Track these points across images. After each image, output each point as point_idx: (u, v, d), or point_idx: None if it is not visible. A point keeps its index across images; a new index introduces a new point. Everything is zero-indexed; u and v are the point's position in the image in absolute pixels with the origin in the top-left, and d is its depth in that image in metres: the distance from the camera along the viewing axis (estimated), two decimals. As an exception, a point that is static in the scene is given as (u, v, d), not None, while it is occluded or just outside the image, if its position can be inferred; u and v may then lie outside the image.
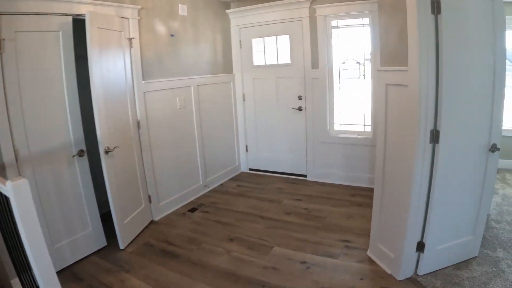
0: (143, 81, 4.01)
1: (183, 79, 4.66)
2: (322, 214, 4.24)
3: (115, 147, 3.43)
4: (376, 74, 3.07)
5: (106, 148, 3.32)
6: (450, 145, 2.66)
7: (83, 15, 3.17)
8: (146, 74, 4.06)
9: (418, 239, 2.86)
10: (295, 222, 4.07)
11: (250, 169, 6.23)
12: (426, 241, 2.83)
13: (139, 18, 3.93)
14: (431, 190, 2.74)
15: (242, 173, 6.18)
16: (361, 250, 3.40)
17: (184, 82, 4.68)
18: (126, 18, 3.79)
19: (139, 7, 3.90)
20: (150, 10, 4.10)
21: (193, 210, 4.58)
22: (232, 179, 5.87)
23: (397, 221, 2.89)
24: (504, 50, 2.70)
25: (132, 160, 3.91)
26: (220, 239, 3.75)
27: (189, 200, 4.88)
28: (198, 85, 4.92)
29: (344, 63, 5.28)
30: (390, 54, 2.90)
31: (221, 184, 5.58)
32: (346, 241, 3.59)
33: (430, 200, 2.75)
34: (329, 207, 4.44)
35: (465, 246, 3.05)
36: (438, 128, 2.60)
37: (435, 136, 2.62)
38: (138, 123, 3.99)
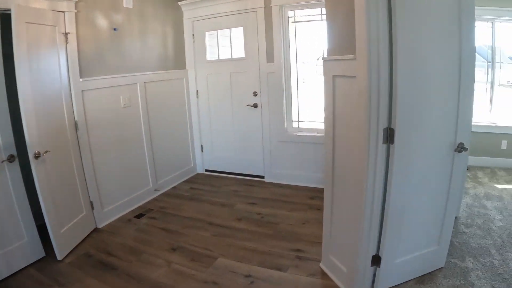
0: (81, 79, 3.95)
1: (128, 76, 4.61)
2: (276, 220, 4.25)
3: (46, 151, 3.36)
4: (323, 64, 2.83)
5: (36, 153, 3.25)
6: (408, 146, 2.48)
7: (12, 10, 3.10)
8: (84, 71, 4.00)
9: (373, 252, 2.71)
10: (245, 229, 4.07)
11: (207, 170, 6.25)
12: (383, 254, 2.68)
13: (76, 11, 3.85)
14: (387, 198, 2.56)
15: (198, 174, 6.19)
16: (313, 261, 3.33)
17: (129, 79, 4.63)
18: (62, 11, 3.71)
19: (76, -1, 3.84)
20: (90, 2, 4.04)
21: (140, 216, 4.55)
22: (186, 181, 5.87)
23: (349, 232, 2.74)
24: (472, 42, 2.52)
25: (69, 164, 3.85)
26: (163, 249, 3.72)
27: (137, 205, 4.85)
28: (145, 82, 4.88)
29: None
30: (337, 41, 2.69)
31: (174, 187, 5.57)
32: (298, 250, 3.55)
33: (386, 208, 2.58)
34: (285, 212, 4.46)
35: (429, 257, 2.93)
36: (393, 126, 2.40)
37: (389, 136, 2.43)
38: (76, 124, 3.93)
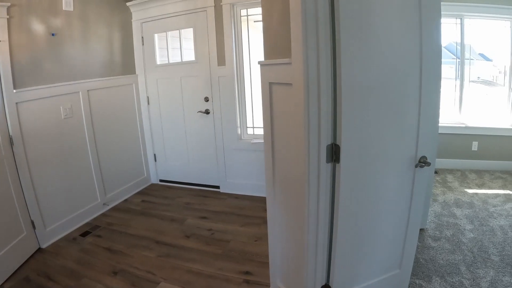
0: (15, 90, 3.86)
1: (69, 84, 4.54)
2: (226, 237, 4.24)
3: (-25, 173, 3.29)
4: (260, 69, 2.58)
5: (-37, 174, 3.18)
6: (358, 164, 2.25)
7: None
8: (19, 81, 3.92)
9: (322, 282, 2.52)
10: (193, 249, 4.02)
11: (161, 180, 6.24)
12: (333, 284, 2.50)
13: (8, 17, 3.76)
14: (334, 222, 2.34)
15: (152, 185, 6.17)
16: (262, 286, 3.26)
17: (70, 88, 4.56)
18: (-8, 18, 3.63)
19: (8, 4, 3.74)
20: (24, 7, 3.95)
21: (85, 234, 4.49)
22: (139, 192, 5.85)
23: (294, 258, 2.59)
24: (437, 40, 2.31)
25: (4, 182, 3.77)
26: (104, 272, 3.67)
27: (84, 222, 4.80)
28: (88, 90, 4.82)
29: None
30: (273, 42, 2.44)
31: (126, 200, 5.54)
32: (247, 273, 3.49)
33: (334, 233, 2.37)
34: (237, 227, 4.46)
35: (389, 282, 2.74)
36: (338, 143, 2.14)
37: (334, 153, 2.18)
38: (11, 139, 3.85)
